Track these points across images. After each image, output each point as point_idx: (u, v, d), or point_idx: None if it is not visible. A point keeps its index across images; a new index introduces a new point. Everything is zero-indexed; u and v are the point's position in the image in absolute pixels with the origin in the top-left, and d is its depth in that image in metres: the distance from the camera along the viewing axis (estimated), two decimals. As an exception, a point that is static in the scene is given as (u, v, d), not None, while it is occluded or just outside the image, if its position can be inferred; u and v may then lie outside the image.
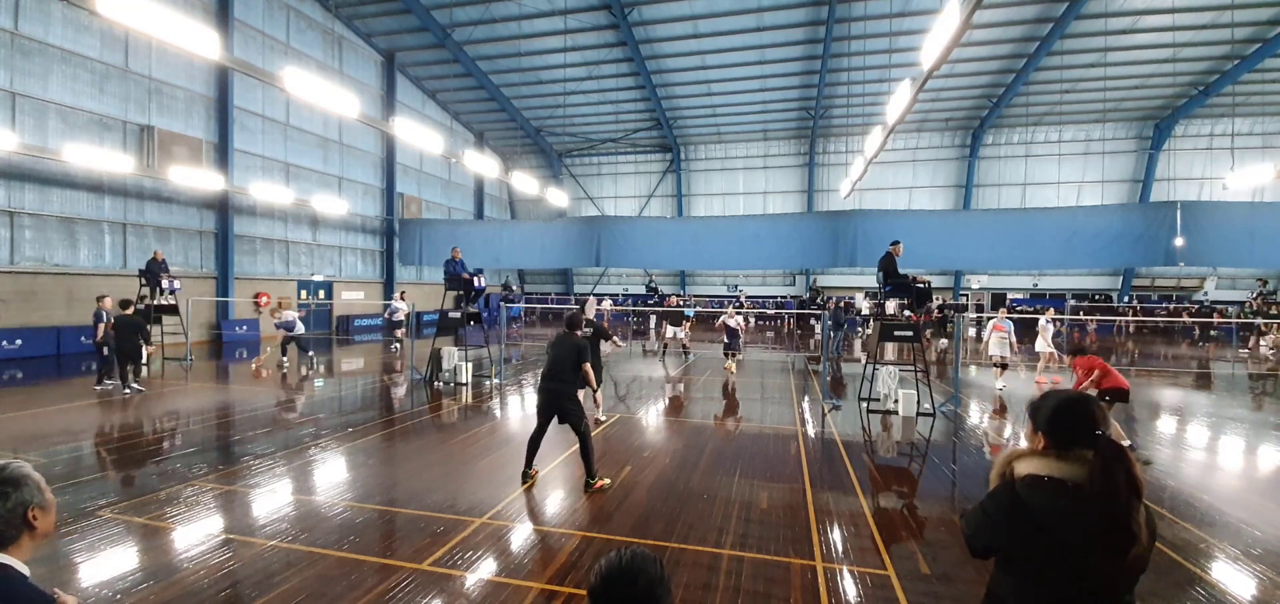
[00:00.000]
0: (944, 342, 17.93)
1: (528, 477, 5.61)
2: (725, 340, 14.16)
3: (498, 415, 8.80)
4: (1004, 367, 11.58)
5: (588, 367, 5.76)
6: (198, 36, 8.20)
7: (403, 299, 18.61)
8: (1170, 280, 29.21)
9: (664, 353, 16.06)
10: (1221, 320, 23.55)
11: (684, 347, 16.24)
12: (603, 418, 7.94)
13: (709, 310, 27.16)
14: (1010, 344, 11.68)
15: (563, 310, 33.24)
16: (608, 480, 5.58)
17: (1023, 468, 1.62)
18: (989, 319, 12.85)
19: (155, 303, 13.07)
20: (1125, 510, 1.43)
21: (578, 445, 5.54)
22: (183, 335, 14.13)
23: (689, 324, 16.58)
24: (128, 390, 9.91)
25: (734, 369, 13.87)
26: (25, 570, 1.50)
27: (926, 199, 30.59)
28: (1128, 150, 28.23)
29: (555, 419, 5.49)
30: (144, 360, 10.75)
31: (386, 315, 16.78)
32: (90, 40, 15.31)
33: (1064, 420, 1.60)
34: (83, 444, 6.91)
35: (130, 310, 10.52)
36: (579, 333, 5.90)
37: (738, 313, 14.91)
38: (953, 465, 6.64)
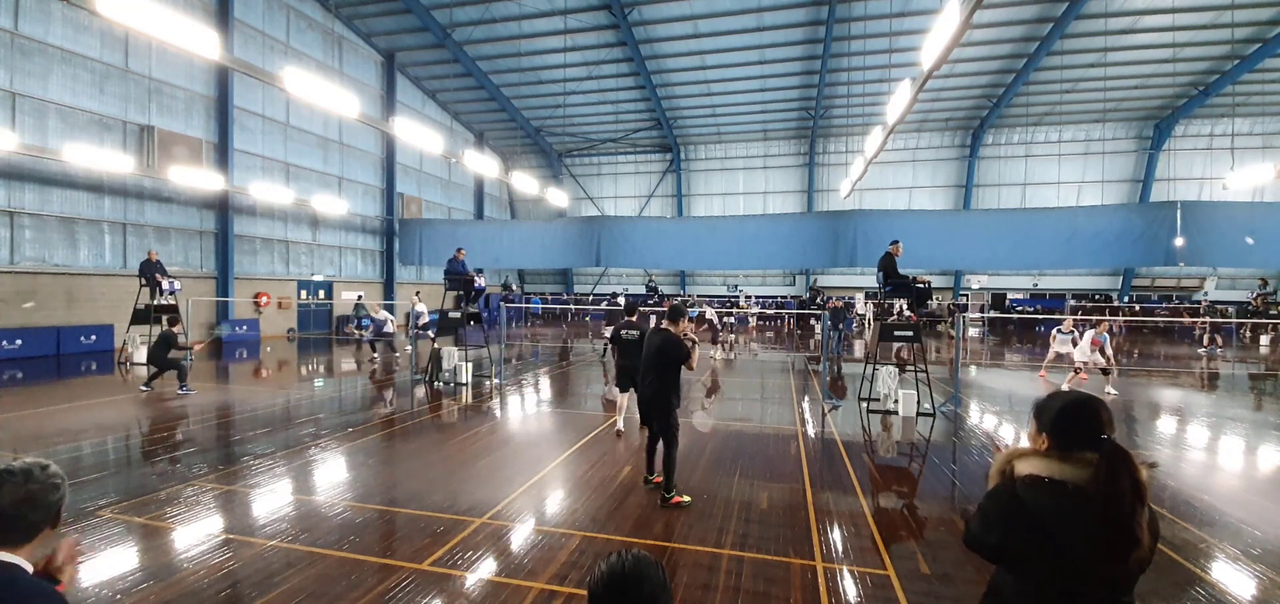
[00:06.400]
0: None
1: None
2: (708, 333, 14.63)
3: (498, 416, 8.80)
4: (1106, 372, 10.98)
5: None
6: (198, 36, 8.19)
7: (419, 300, 17.74)
8: (1170, 280, 29.20)
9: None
10: (1226, 321, 23.50)
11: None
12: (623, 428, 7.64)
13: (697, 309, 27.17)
14: (1103, 351, 11.04)
15: (562, 310, 33.35)
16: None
17: (1023, 468, 1.61)
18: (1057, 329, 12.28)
19: (154, 303, 13.09)
20: (1129, 515, 1.43)
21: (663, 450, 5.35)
22: (182, 335, 14.11)
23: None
24: (182, 390, 9.89)
25: (717, 359, 13.92)
26: (29, 568, 1.49)
27: (926, 199, 30.58)
28: (1128, 150, 28.22)
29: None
30: (179, 366, 10.16)
31: (414, 321, 16.34)
32: (90, 40, 15.30)
33: (1069, 422, 1.59)
34: (82, 444, 6.91)
35: (177, 327, 10.53)
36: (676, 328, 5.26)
37: (713, 308, 15.31)
38: (953, 465, 6.64)
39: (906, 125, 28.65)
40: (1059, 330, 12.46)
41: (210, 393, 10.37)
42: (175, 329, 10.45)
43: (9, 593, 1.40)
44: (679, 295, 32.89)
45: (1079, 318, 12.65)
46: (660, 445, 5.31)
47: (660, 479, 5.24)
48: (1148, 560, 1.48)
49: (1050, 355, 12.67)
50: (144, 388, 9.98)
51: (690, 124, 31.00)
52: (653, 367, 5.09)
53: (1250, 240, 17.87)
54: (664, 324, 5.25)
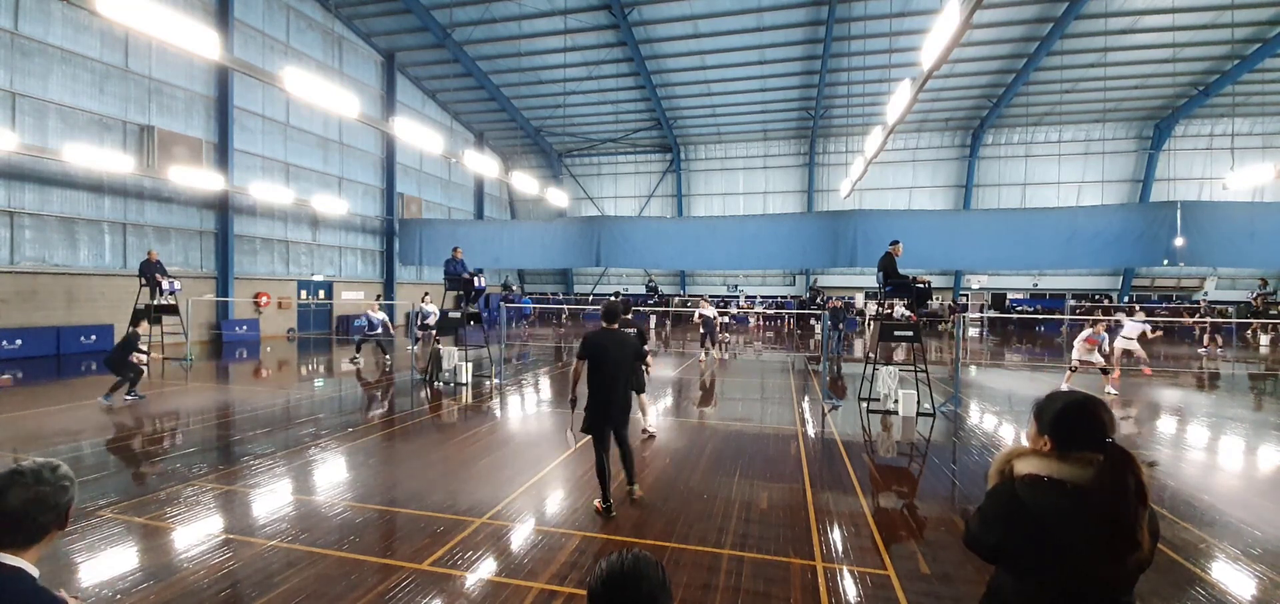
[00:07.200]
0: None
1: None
2: (701, 331, 14.38)
3: (498, 415, 8.80)
4: (1105, 372, 10.86)
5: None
6: (198, 36, 8.19)
7: (428, 300, 17.68)
8: (1170, 280, 29.21)
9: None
10: (1225, 321, 23.48)
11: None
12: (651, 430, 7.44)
13: (685, 309, 27.19)
14: (1100, 349, 10.95)
15: (562, 311, 33.34)
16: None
17: (1023, 467, 1.61)
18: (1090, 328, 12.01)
19: (154, 303, 13.08)
20: (1131, 516, 1.43)
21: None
22: (183, 335, 14.13)
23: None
24: (127, 399, 9.30)
25: (719, 358, 13.84)
26: (35, 572, 1.47)
27: (926, 199, 30.59)
28: (1128, 150, 28.23)
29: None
30: (131, 376, 9.42)
31: (418, 320, 16.33)
32: (90, 40, 15.30)
33: (1069, 422, 1.59)
34: (82, 444, 6.91)
35: (140, 326, 9.98)
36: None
37: (712, 304, 15.28)
38: (953, 465, 6.64)
39: (906, 125, 28.65)
40: (1124, 320, 11.93)
41: (210, 393, 10.37)
42: (139, 329, 9.80)
43: (6, 598, 1.39)
44: (641, 296, 32.91)
45: (1141, 316, 12.35)
46: (603, 459, 4.88)
47: (602, 506, 4.89)
48: (1148, 561, 1.48)
49: (1117, 354, 11.85)
50: (128, 398, 9.49)
51: (690, 124, 31.01)
52: (625, 372, 4.90)
53: None
54: (602, 324, 4.98)
